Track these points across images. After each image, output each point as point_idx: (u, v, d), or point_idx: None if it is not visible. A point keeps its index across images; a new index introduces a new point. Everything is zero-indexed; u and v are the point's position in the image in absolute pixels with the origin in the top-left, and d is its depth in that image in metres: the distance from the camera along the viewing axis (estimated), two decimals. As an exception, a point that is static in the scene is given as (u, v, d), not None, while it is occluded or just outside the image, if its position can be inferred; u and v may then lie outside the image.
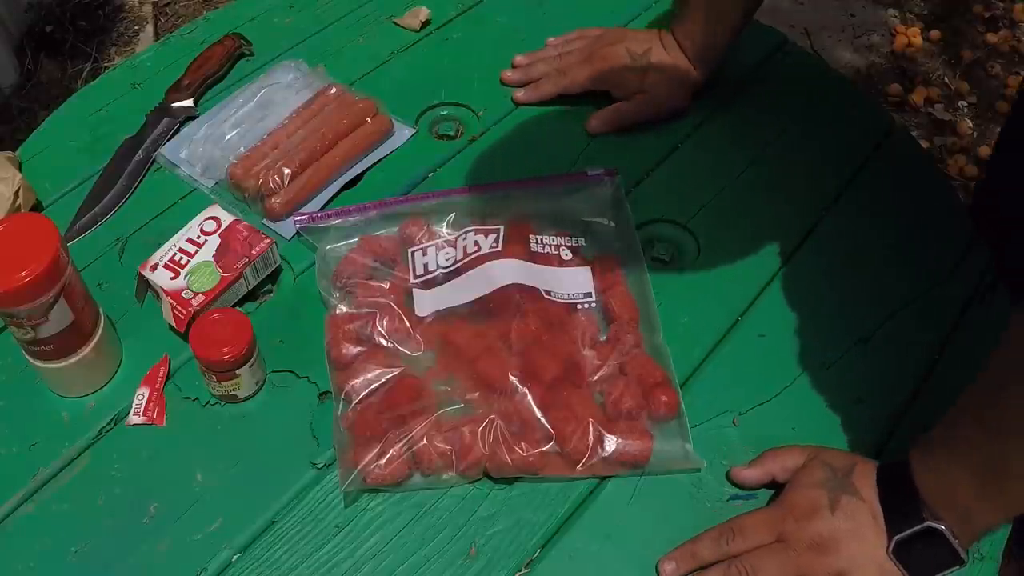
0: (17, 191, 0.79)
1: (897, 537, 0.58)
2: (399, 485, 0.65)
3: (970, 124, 2.03)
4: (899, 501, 0.59)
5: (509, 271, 0.73)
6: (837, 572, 0.59)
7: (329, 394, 0.70)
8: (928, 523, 0.57)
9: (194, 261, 0.74)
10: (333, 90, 0.90)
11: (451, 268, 0.75)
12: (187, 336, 0.70)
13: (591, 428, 0.66)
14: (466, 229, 0.77)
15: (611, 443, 0.66)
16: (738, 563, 0.60)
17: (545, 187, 0.83)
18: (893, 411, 0.71)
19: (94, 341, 0.70)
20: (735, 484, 0.66)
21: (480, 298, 0.73)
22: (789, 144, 0.91)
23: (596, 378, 0.70)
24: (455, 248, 0.76)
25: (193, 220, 0.77)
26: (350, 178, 0.86)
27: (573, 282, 0.75)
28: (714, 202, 0.85)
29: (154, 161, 0.88)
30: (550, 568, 0.63)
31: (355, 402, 0.68)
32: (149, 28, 2.09)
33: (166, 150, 0.88)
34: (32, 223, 0.64)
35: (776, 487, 0.66)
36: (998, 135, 1.02)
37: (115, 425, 0.70)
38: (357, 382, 0.68)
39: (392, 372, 0.69)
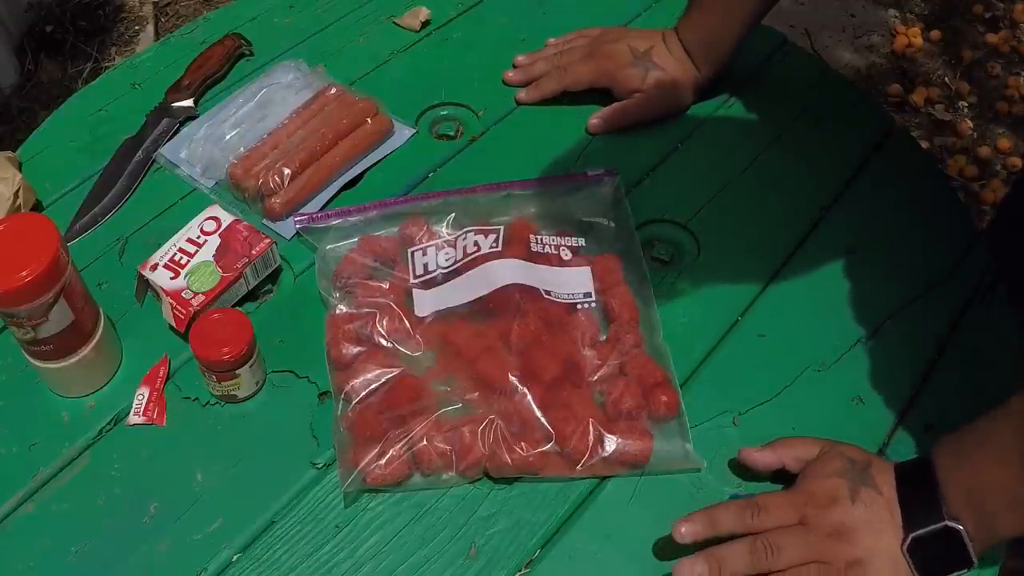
0: (17, 191, 0.79)
1: (914, 534, 0.58)
2: (399, 485, 0.65)
3: (970, 124, 2.03)
4: (919, 499, 0.59)
5: (509, 271, 0.73)
6: (854, 560, 0.59)
7: (329, 394, 0.70)
8: (947, 523, 0.57)
9: (194, 261, 0.74)
10: (333, 90, 0.90)
11: (451, 268, 0.75)
12: (187, 336, 0.70)
13: (591, 428, 0.66)
14: (466, 229, 0.77)
15: (611, 443, 0.66)
16: (763, 539, 0.60)
17: (545, 187, 0.83)
18: (894, 411, 0.71)
19: (94, 341, 0.70)
20: (743, 464, 0.66)
21: (480, 298, 0.73)
22: (789, 144, 0.91)
23: (596, 378, 0.70)
24: (455, 248, 0.76)
25: (193, 220, 0.77)
26: (350, 178, 0.86)
27: (573, 282, 0.75)
28: (714, 202, 0.85)
29: (154, 161, 0.88)
30: (550, 568, 0.63)
31: (355, 402, 0.68)
32: (149, 28, 2.09)
33: (166, 150, 0.88)
34: (32, 223, 0.64)
35: (780, 479, 0.65)
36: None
37: (115, 425, 0.70)
38: (357, 382, 0.68)
39: (392, 372, 0.69)
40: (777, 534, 0.60)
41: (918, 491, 0.60)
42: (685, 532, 0.61)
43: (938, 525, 0.58)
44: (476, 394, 0.68)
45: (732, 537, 0.61)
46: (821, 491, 0.62)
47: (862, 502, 0.60)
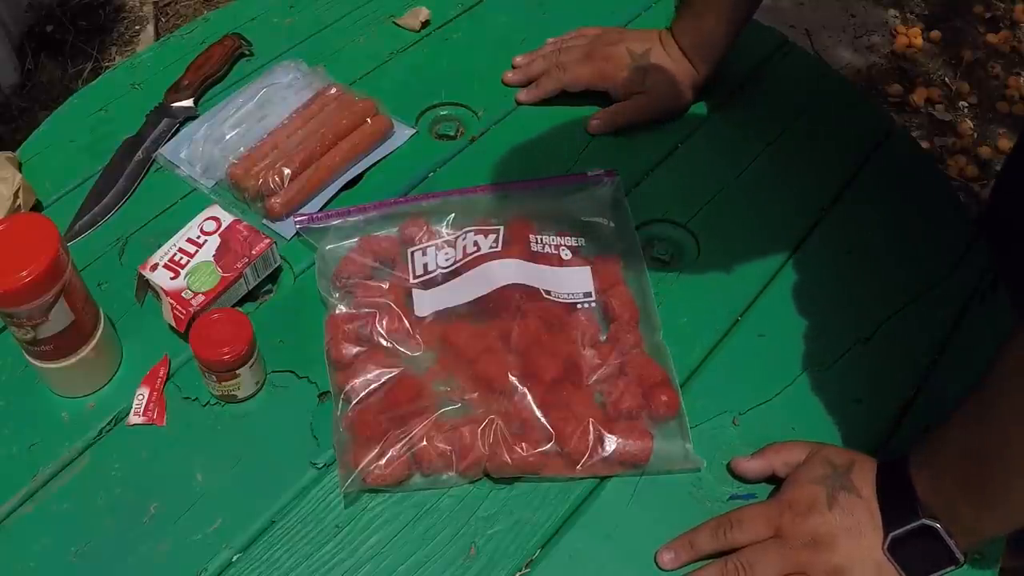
0: (17, 191, 0.79)
1: (892, 534, 0.58)
2: (399, 485, 0.65)
3: (971, 124, 2.03)
4: (896, 498, 0.59)
5: (509, 271, 0.73)
6: (834, 568, 0.59)
7: (329, 394, 0.70)
8: (923, 521, 0.57)
9: (194, 261, 0.74)
10: (333, 90, 0.90)
11: (451, 268, 0.75)
12: (187, 336, 0.70)
13: (591, 428, 0.66)
14: (466, 229, 0.77)
15: (611, 443, 0.66)
16: (735, 559, 0.60)
17: (545, 187, 0.83)
18: (893, 411, 0.71)
19: (94, 341, 0.69)
20: (735, 475, 0.66)
21: (480, 298, 0.73)
22: (789, 144, 0.91)
23: (596, 378, 0.70)
24: (455, 248, 0.76)
25: (193, 220, 0.77)
26: (350, 178, 0.86)
27: (573, 282, 0.75)
28: (714, 202, 0.85)
29: (154, 161, 0.88)
30: (550, 568, 0.63)
31: (355, 402, 0.68)
32: (149, 28, 2.09)
33: (166, 150, 0.88)
34: (32, 223, 0.64)
35: (776, 482, 0.66)
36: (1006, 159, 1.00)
37: (115, 425, 0.70)
38: (357, 382, 0.68)
39: (392, 372, 0.69)
40: (751, 551, 0.61)
41: (895, 490, 0.60)
42: (667, 561, 0.62)
43: (915, 523, 0.58)
44: (476, 394, 0.68)
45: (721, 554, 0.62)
46: (799, 499, 0.62)
47: (840, 507, 0.60)
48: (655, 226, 0.83)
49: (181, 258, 0.74)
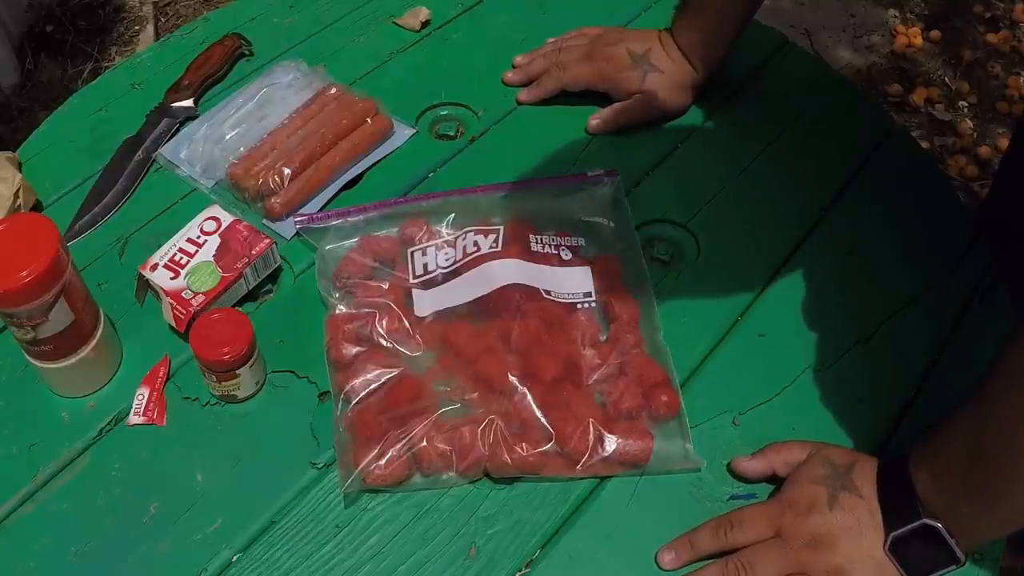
0: (17, 191, 0.79)
1: (894, 534, 0.58)
2: (399, 485, 0.65)
3: (970, 124, 2.03)
4: (897, 498, 0.59)
5: (509, 271, 0.73)
6: (835, 568, 0.59)
7: (329, 394, 0.70)
8: (925, 520, 0.57)
9: (194, 261, 0.74)
10: (333, 90, 0.90)
11: (451, 268, 0.75)
12: (187, 336, 0.70)
13: (591, 428, 0.66)
14: (466, 229, 0.77)
15: (611, 443, 0.66)
16: (735, 559, 0.60)
17: (545, 187, 0.83)
18: (893, 411, 0.71)
19: (94, 341, 0.70)
20: (735, 475, 0.66)
21: (480, 298, 0.73)
22: (789, 144, 0.91)
23: (596, 378, 0.70)
24: (455, 248, 0.76)
25: (193, 220, 0.77)
26: (350, 178, 0.86)
27: (573, 282, 0.75)
28: (714, 202, 0.85)
29: (154, 161, 0.88)
30: (550, 568, 0.63)
31: (355, 402, 0.68)
32: (149, 28, 2.09)
33: (166, 150, 0.88)
34: (32, 223, 0.65)
35: (776, 482, 0.66)
36: (1006, 150, 1.00)
37: (115, 425, 0.70)
38: (357, 382, 0.68)
39: (392, 372, 0.69)
40: (752, 551, 0.61)
41: (896, 490, 0.60)
42: (667, 561, 0.62)
43: (916, 523, 0.58)
44: (476, 394, 0.68)
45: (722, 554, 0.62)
46: (799, 499, 0.62)
47: (840, 507, 0.60)
48: (655, 226, 0.83)
49: (181, 258, 0.74)
